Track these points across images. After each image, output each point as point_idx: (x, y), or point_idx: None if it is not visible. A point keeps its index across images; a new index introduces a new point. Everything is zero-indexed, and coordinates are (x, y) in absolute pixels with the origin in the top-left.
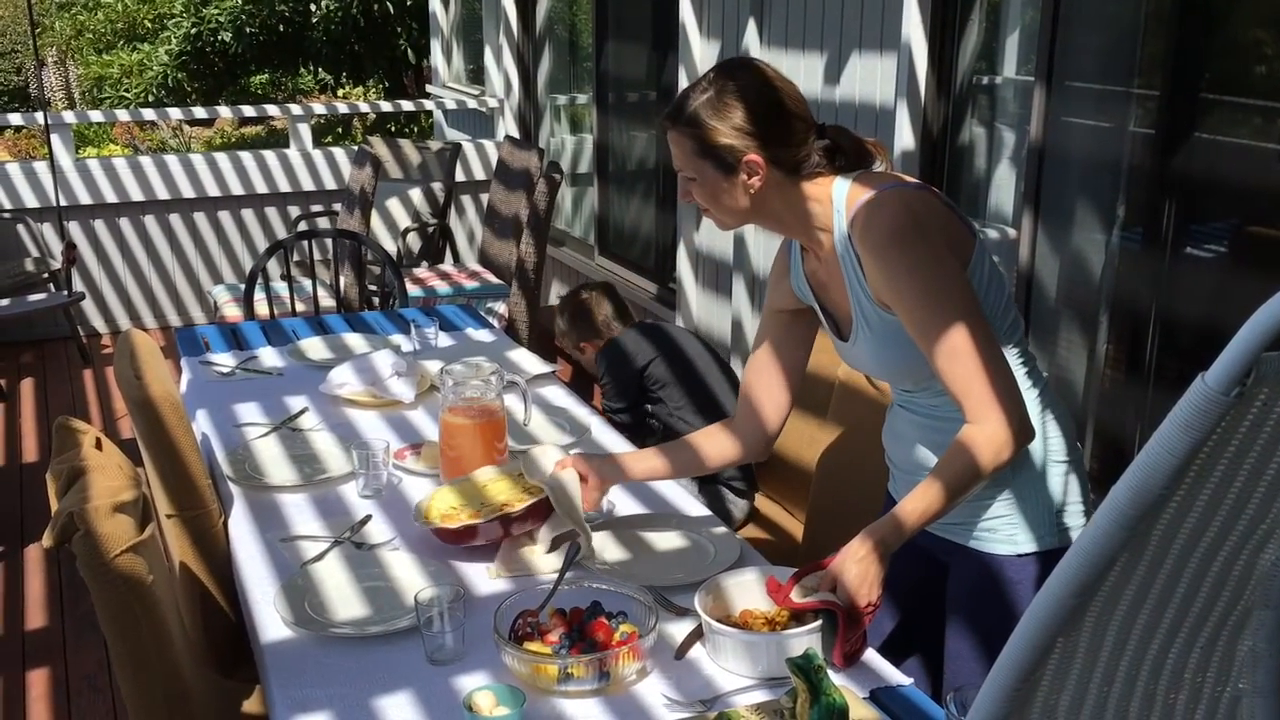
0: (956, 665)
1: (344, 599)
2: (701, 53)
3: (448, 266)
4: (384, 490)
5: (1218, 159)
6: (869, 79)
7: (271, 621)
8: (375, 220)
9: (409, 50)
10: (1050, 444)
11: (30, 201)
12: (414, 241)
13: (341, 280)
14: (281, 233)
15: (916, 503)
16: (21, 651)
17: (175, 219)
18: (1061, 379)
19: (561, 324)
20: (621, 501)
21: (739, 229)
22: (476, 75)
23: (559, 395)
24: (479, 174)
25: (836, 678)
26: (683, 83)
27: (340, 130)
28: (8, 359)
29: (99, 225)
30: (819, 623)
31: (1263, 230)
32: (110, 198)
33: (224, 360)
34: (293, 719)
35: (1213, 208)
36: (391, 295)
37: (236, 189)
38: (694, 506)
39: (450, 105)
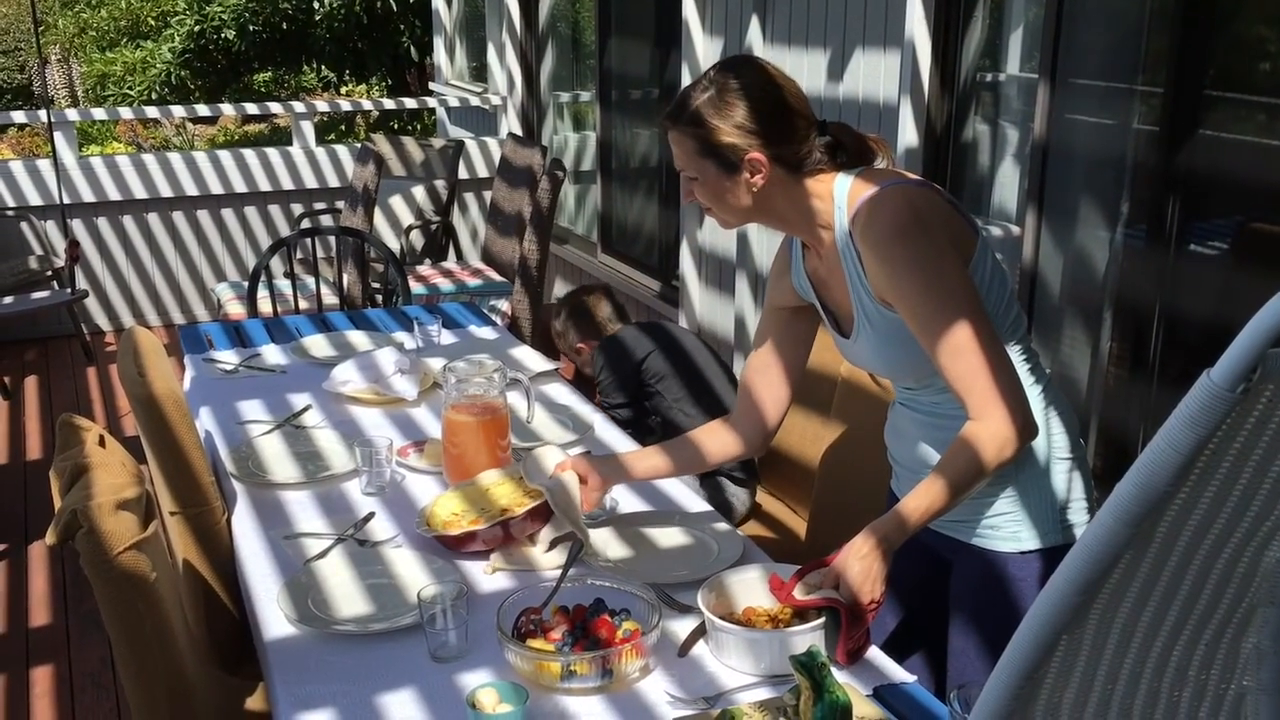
0: (960, 663)
1: (347, 596)
2: (704, 50)
3: (451, 264)
4: (387, 488)
5: (1222, 156)
6: (872, 76)
7: (275, 619)
8: (378, 218)
9: (412, 48)
10: (1054, 441)
11: (34, 199)
12: (417, 239)
13: (345, 278)
14: (285, 230)
15: (920, 500)
16: (25, 649)
17: (179, 216)
18: (1065, 376)
19: (559, 324)
20: (624, 499)
21: (742, 227)
22: (479, 72)
23: (562, 393)
24: (482, 171)
25: (840, 675)
26: (686, 80)
27: (343, 128)
28: (11, 356)
29: (102, 223)
30: (822, 620)
31: (1267, 227)
32: (114, 195)
33: (227, 358)
34: (296, 716)
35: (1217, 205)
36: (394, 293)
37: (240, 186)
38: (697, 503)
39: (453, 102)
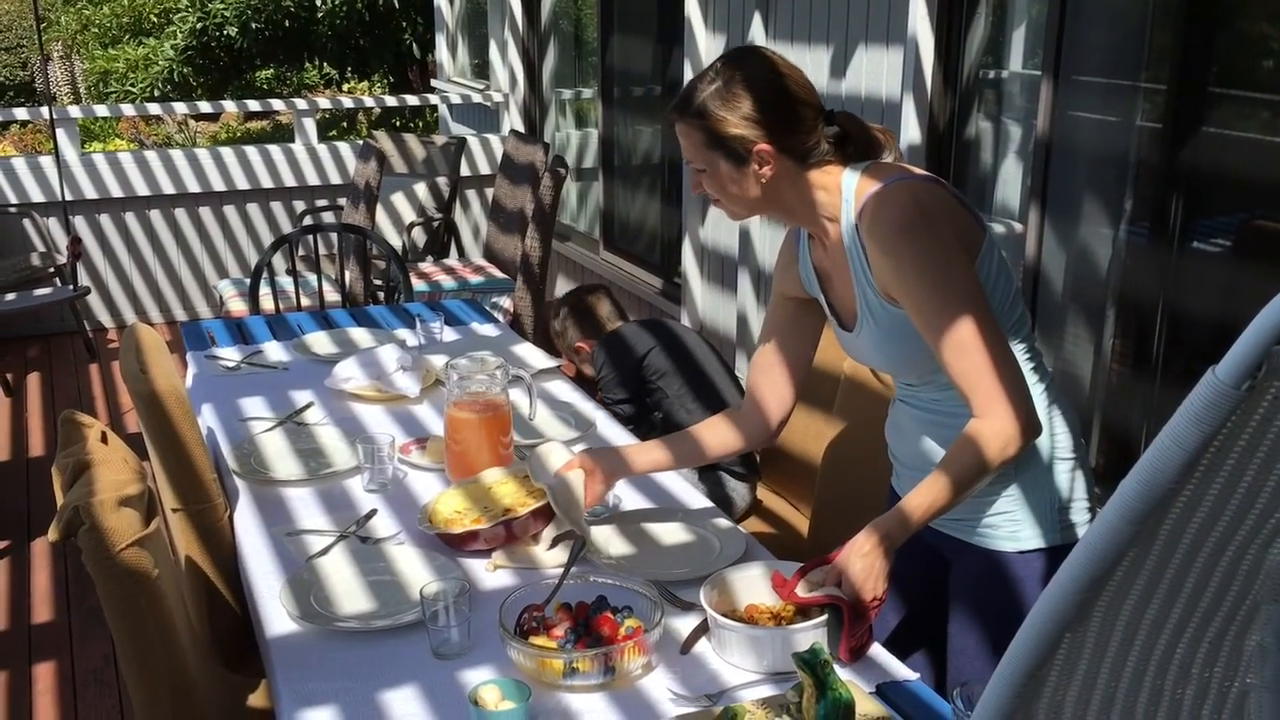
0: (959, 661)
1: (349, 593)
2: (707, 46)
3: (453, 261)
4: (389, 485)
5: (1225, 153)
6: (875, 73)
7: (277, 615)
8: (380, 215)
9: (414, 45)
10: (1056, 440)
11: (36, 196)
12: (419, 236)
13: (347, 275)
14: (287, 227)
15: (922, 497)
16: (28, 645)
17: (180, 214)
18: (1068, 374)
19: (558, 324)
20: (626, 496)
21: (745, 223)
22: (481, 70)
23: (564, 390)
24: (484, 168)
25: (843, 672)
26: (688, 77)
27: (345, 125)
28: (14, 353)
29: (104, 220)
30: (824, 617)
31: (1270, 224)
32: (116, 192)
33: (229, 355)
34: (298, 713)
35: (1220, 202)
36: (396, 290)
37: (242, 184)
38: (699, 500)
39: (455, 100)
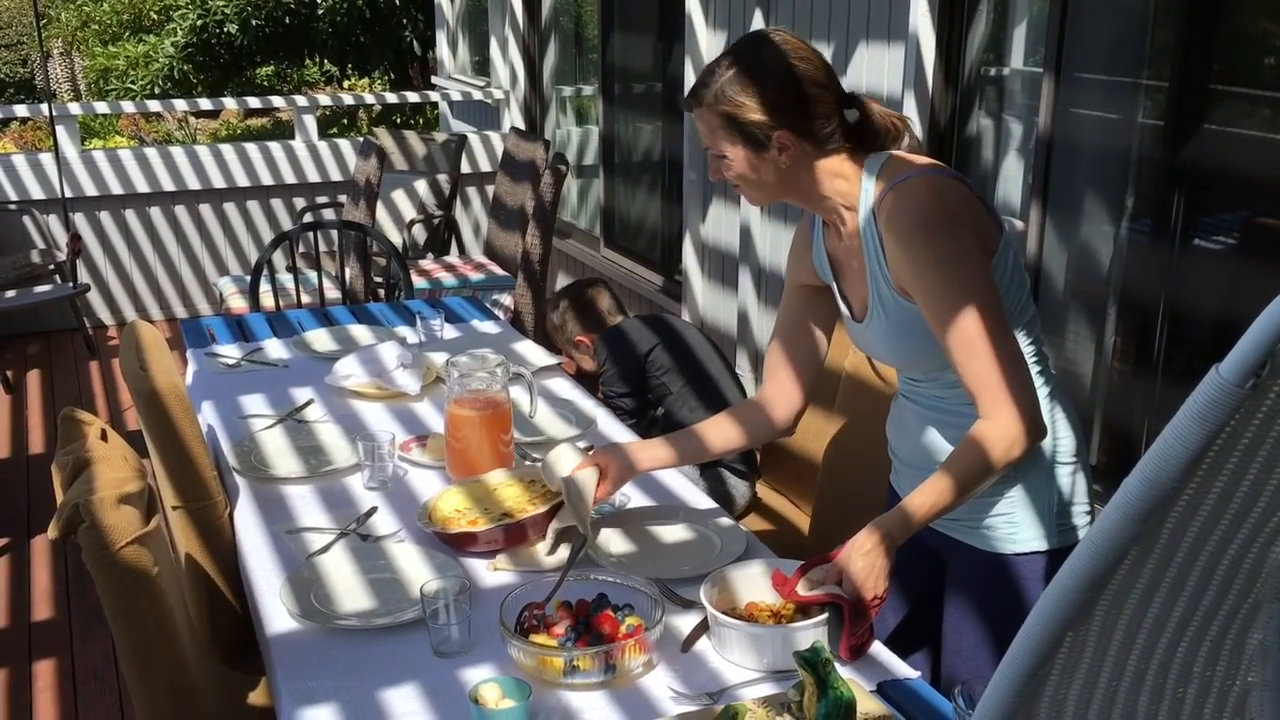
0: (954, 662)
1: (350, 591)
2: (708, 43)
3: (453, 258)
4: (389, 482)
5: (1227, 150)
6: (876, 70)
7: (277, 613)
8: (381, 212)
9: (414, 42)
10: (1058, 443)
11: (36, 193)
12: (419, 233)
13: (347, 272)
14: (287, 224)
15: (925, 496)
16: (28, 643)
17: (181, 211)
18: (1069, 371)
19: (556, 317)
20: (630, 494)
21: (745, 221)
22: (482, 67)
23: (564, 387)
24: (484, 166)
25: (844, 671)
26: (689, 74)
27: (345, 122)
28: (14, 350)
29: (104, 217)
30: (825, 616)
31: (1272, 222)
32: (116, 189)
33: (229, 352)
34: (298, 711)
35: (1222, 199)
36: (397, 287)
37: (242, 181)
38: (700, 499)
39: (456, 97)
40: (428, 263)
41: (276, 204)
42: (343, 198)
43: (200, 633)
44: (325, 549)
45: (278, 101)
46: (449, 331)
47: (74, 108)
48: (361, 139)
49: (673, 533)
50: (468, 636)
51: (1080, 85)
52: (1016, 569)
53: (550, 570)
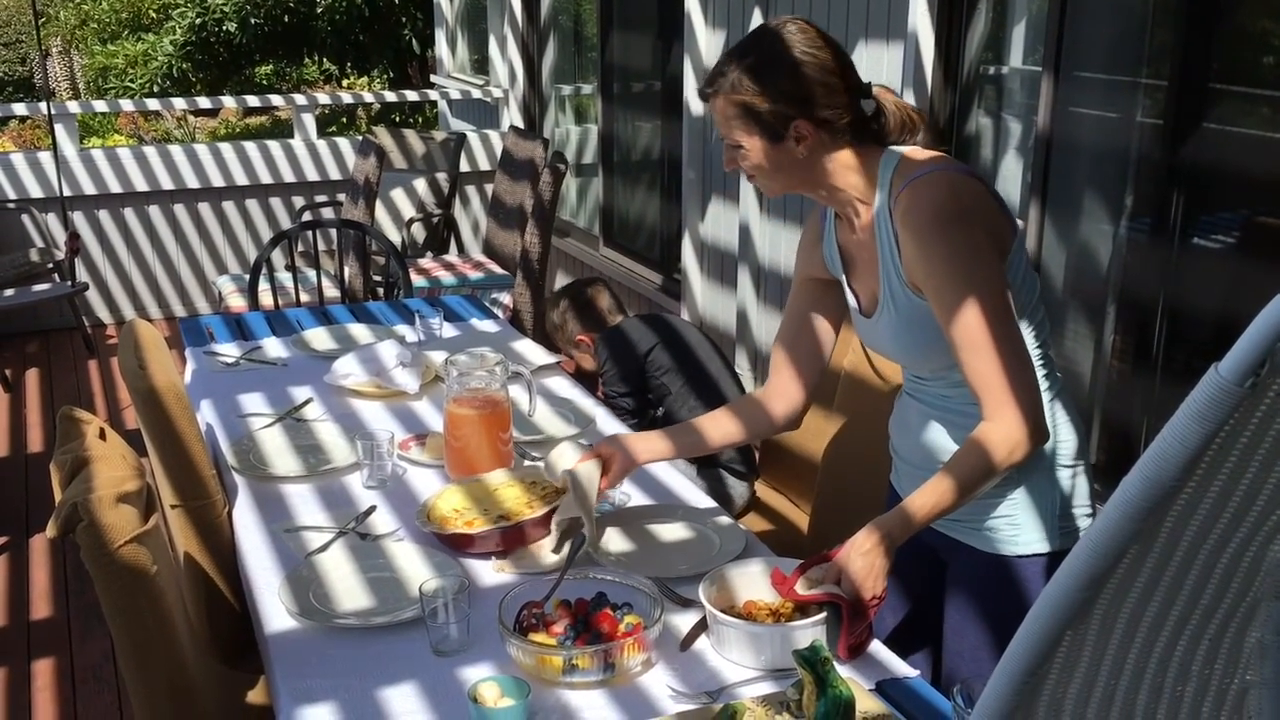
0: (955, 663)
1: (348, 590)
2: (706, 42)
3: (452, 257)
4: (388, 481)
5: (1226, 149)
6: (875, 69)
7: (276, 612)
8: (380, 210)
9: (413, 40)
10: (1061, 445)
11: (35, 192)
12: (419, 232)
13: (346, 271)
14: (286, 223)
15: (926, 497)
16: (26, 642)
17: (180, 209)
18: (1068, 370)
19: (556, 316)
20: (630, 493)
21: (745, 220)
22: (481, 65)
23: (563, 386)
24: (483, 164)
25: (843, 669)
26: (688, 73)
27: (345, 120)
28: (13, 349)
29: (103, 215)
30: (823, 615)
31: (1271, 221)
32: (115, 188)
33: (228, 351)
34: (297, 709)
35: (1221, 198)
36: (396, 286)
37: (241, 179)
38: (699, 497)
39: (455, 95)
40: (427, 261)
41: (275, 203)
42: (341, 196)
43: (199, 631)
44: (324, 548)
45: (276, 100)
46: (448, 330)
47: (73, 106)
48: (360, 138)
49: (672, 531)
50: (466, 635)
51: (1079, 84)
52: (1018, 570)
53: (549, 569)
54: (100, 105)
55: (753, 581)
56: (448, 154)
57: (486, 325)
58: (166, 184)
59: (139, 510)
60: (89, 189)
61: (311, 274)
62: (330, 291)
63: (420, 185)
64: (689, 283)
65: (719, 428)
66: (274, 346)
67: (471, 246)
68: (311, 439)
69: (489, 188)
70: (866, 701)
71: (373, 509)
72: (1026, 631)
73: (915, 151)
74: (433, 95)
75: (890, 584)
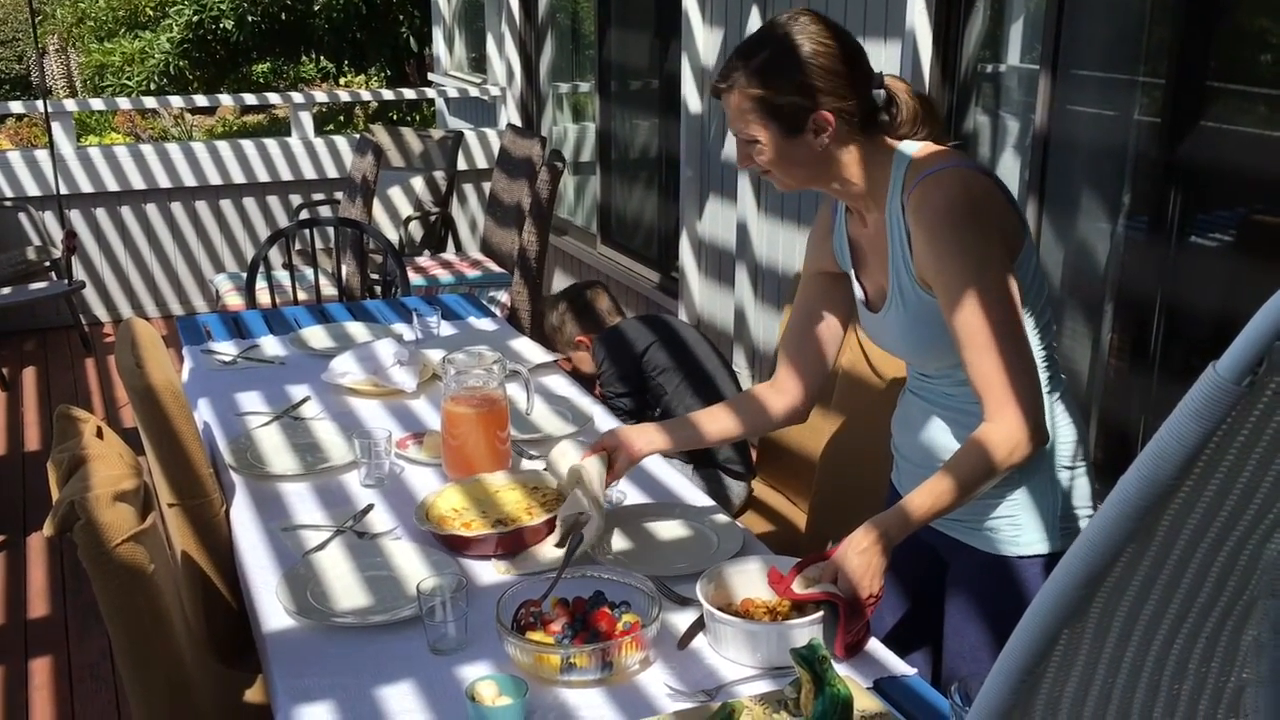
0: (955, 664)
1: (346, 588)
2: (704, 40)
3: (450, 255)
4: (386, 479)
5: (1224, 148)
6: (873, 66)
7: (273, 611)
8: (377, 209)
9: (411, 38)
10: (1063, 447)
11: (32, 190)
12: (416, 230)
13: (343, 269)
14: (283, 221)
15: (925, 497)
16: (24, 640)
17: (177, 207)
18: (1066, 369)
19: (555, 319)
20: (627, 491)
21: (743, 218)
22: (479, 63)
23: (561, 384)
24: (481, 162)
25: (840, 668)
26: (686, 71)
27: (342, 118)
28: (10, 347)
29: (100, 214)
30: (820, 614)
31: (1268, 219)
32: (112, 186)
33: (226, 349)
34: (295, 708)
35: (1219, 196)
36: (393, 284)
37: (238, 177)
38: (697, 496)
39: (452, 93)
40: (424, 260)
41: (273, 201)
42: (339, 195)
43: (196, 630)
44: (322, 546)
45: (274, 98)
46: (445, 328)
47: (69, 104)
48: (358, 136)
49: (669, 530)
50: (464, 634)
51: (1077, 82)
52: (1019, 571)
53: (549, 567)
54: (97, 103)
55: (750, 579)
56: (445, 152)
57: (484, 324)
58: (163, 182)
59: (136, 509)
60: (86, 187)
61: (309, 272)
62: (328, 290)
63: (418, 183)
64: (686, 281)
65: (715, 422)
66: (271, 345)
67: (469, 245)
68: (309, 437)
69: (486, 186)
70: (864, 700)
71: (370, 507)
72: (1024, 630)
73: (929, 146)
74: (430, 93)
75: (889, 582)
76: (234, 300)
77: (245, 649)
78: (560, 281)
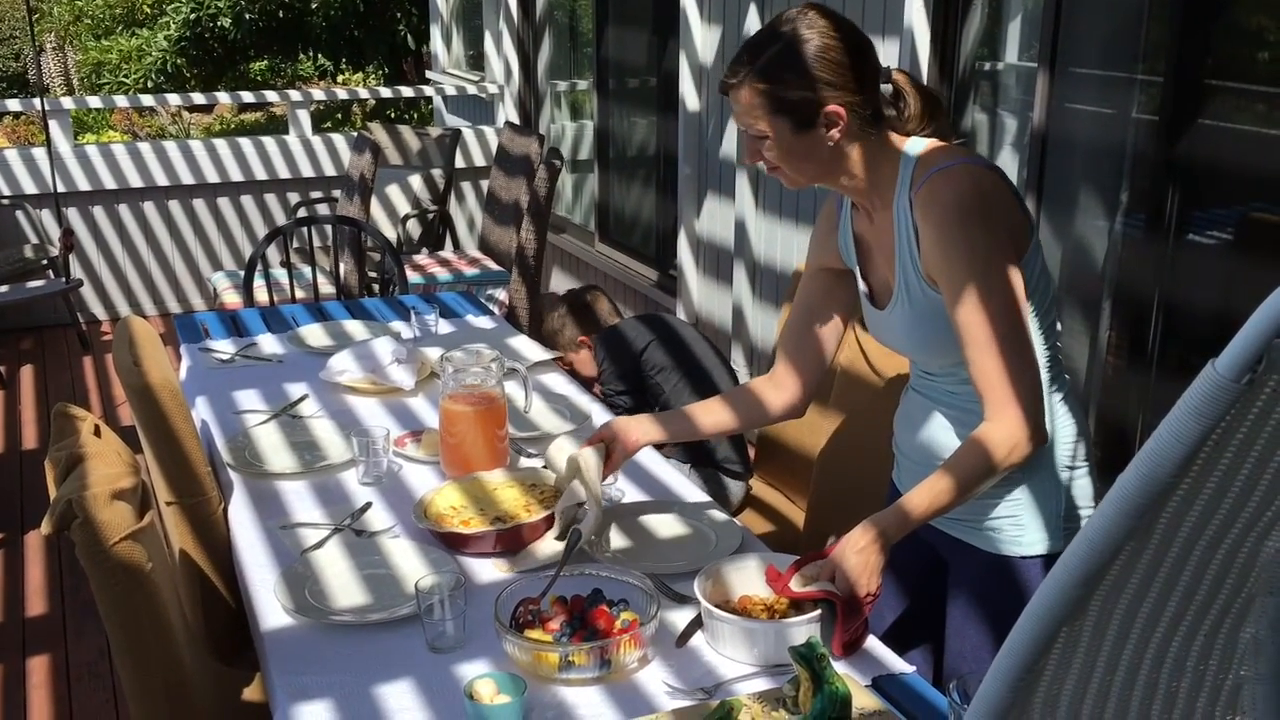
0: (956, 664)
1: (344, 586)
2: (703, 39)
3: (448, 253)
4: (384, 477)
5: (1222, 145)
6: None
7: (272, 609)
8: (375, 207)
9: (409, 36)
10: (1065, 447)
11: (29, 188)
12: (414, 228)
13: (341, 267)
14: (281, 219)
15: (924, 496)
16: (22, 639)
17: (174, 205)
18: (1065, 367)
19: (554, 321)
20: (625, 489)
21: (741, 217)
22: (476, 61)
23: (559, 383)
24: (479, 160)
25: (839, 666)
26: (684, 69)
27: (340, 116)
28: (7, 346)
29: (98, 212)
30: (818, 612)
31: (1266, 217)
32: (109, 184)
33: (223, 347)
34: (293, 706)
35: (1217, 194)
36: (391, 282)
37: (236, 175)
38: (695, 493)
39: (450, 91)
40: (422, 258)
41: (270, 199)
42: (337, 193)
43: (194, 628)
44: (320, 544)
45: (271, 96)
46: (443, 327)
47: (67, 102)
48: (355, 134)
49: (668, 527)
50: (462, 632)
51: (1075, 80)
52: (1021, 570)
53: (548, 562)
54: (94, 101)
55: (748, 577)
56: (443, 150)
57: (482, 321)
58: (161, 180)
59: (134, 507)
60: (83, 185)
61: (307, 270)
62: (325, 288)
63: (415, 181)
64: (685, 279)
65: (711, 415)
66: (269, 343)
67: (467, 243)
68: (307, 435)
69: (484, 184)
70: (863, 698)
71: (368, 505)
72: (1022, 628)
73: (936, 143)
74: (428, 91)
75: (889, 581)
76: (232, 298)
77: (243, 647)
78: (558, 279)
